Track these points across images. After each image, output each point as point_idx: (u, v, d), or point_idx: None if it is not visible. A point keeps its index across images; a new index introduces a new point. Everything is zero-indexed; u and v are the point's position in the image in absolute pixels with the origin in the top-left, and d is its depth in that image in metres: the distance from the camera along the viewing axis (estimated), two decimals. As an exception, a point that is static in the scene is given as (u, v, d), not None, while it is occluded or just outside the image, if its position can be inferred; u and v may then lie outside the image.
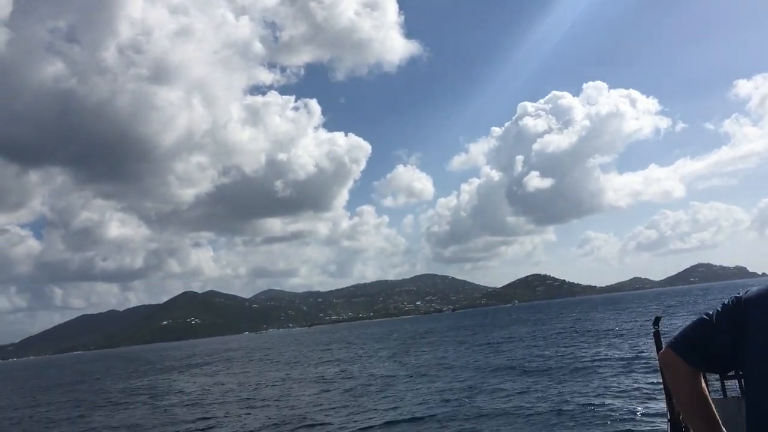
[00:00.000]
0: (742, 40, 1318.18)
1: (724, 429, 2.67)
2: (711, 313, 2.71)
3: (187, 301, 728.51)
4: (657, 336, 4.52)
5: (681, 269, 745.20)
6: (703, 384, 2.74)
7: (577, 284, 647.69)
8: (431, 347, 53.92)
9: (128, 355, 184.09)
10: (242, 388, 35.44)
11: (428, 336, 76.38)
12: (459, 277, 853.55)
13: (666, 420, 4.75)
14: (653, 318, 4.24)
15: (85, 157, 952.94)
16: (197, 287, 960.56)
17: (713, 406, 2.65)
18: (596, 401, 19.88)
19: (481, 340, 55.89)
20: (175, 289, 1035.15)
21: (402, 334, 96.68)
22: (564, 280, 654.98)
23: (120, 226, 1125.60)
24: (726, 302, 2.68)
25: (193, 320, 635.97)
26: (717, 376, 5.26)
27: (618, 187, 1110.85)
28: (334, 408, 23.97)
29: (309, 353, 65.78)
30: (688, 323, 2.77)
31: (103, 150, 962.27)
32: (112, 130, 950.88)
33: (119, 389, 44.94)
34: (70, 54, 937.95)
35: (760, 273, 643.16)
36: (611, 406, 18.77)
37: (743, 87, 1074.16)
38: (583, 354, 32.75)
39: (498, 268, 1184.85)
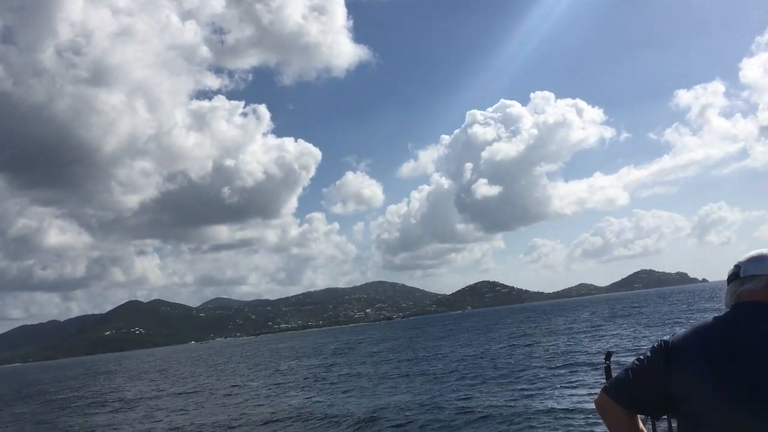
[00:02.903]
0: (682, 51, 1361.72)
1: None
2: (642, 357, 2.78)
3: (132, 310, 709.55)
4: (608, 370, 4.48)
5: (625, 275, 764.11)
6: (641, 425, 2.79)
7: (526, 291, 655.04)
8: (350, 368, 50.26)
9: (45, 369, 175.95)
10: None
11: (354, 351, 73.00)
12: (409, 284, 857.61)
13: None
14: (605, 353, 4.48)
15: (22, 163, 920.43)
16: (142, 296, 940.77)
17: None
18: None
19: (407, 356, 52.61)
20: (120, 298, 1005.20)
21: (339, 345, 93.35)
22: (513, 287, 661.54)
23: (59, 234, 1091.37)
24: (654, 345, 2.76)
25: (138, 330, 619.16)
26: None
27: (564, 194, 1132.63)
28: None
29: (207, 373, 60.63)
30: (622, 368, 2.83)
31: (41, 155, 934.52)
32: (51, 134, 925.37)
33: None
34: (6, 56, 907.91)
35: (700, 279, 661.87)
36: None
37: (683, 97, 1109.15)
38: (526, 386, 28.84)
39: (448, 275, 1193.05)
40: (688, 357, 2.60)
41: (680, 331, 2.74)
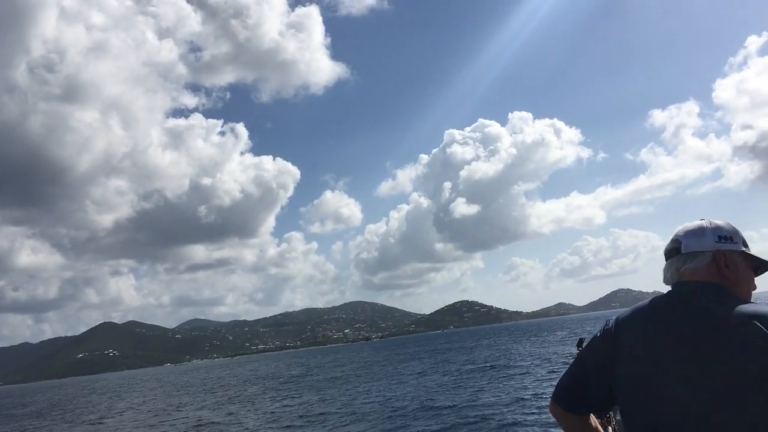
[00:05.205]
0: (656, 71, 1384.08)
1: None
2: (581, 356, 2.63)
3: (106, 332, 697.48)
4: None
5: (603, 294, 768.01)
6: (594, 423, 2.62)
7: (504, 310, 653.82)
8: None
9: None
10: None
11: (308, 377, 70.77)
12: (388, 304, 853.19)
13: None
14: (577, 340, 4.45)
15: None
16: (117, 317, 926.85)
17: None
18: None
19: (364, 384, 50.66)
20: (94, 319, 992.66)
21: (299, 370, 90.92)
22: (491, 306, 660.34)
23: (31, 254, 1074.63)
24: (596, 334, 2.57)
25: (112, 352, 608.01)
26: None
27: (542, 213, 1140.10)
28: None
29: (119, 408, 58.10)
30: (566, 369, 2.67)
31: (13, 173, 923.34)
32: (23, 152, 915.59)
33: None
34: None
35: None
36: None
37: (658, 117, 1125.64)
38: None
39: (427, 295, 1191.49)
40: (628, 339, 2.42)
41: (621, 312, 2.56)
